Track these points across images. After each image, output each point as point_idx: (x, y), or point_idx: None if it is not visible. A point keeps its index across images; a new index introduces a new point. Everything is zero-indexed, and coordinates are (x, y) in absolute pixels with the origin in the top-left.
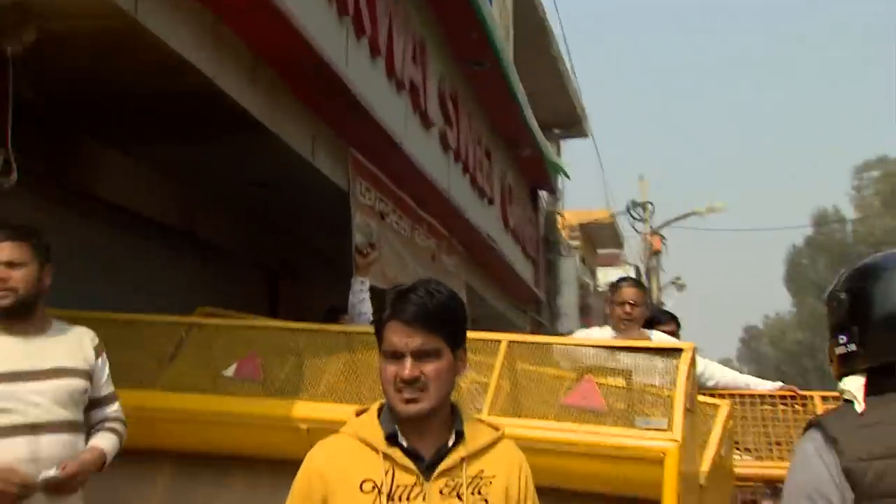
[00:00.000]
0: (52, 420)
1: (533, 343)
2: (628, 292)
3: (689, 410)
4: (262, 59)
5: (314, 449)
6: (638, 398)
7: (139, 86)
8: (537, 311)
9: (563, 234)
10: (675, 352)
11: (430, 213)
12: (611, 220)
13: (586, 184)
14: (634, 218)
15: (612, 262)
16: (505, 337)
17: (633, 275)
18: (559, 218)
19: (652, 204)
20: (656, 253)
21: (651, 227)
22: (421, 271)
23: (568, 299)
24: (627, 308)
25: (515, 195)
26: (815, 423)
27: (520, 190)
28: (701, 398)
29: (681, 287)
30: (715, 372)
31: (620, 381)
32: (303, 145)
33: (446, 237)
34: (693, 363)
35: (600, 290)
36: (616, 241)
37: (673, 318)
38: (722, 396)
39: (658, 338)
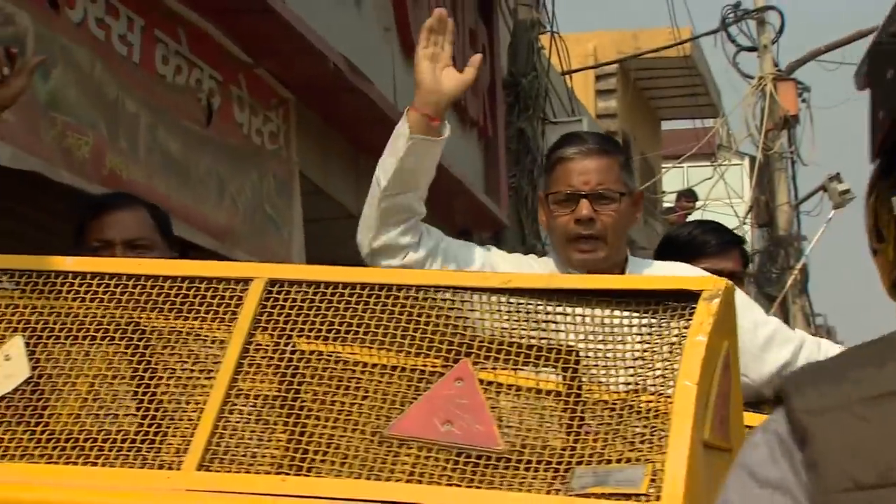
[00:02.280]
0: None
1: (334, 285)
2: (582, 167)
3: (712, 447)
4: None
5: None
6: (590, 412)
7: None
8: (495, 247)
9: (566, 82)
10: (681, 298)
11: (196, 0)
12: (684, 52)
13: None
14: (738, 45)
15: (688, 146)
16: (262, 272)
17: (744, 176)
18: (548, 41)
19: (780, 13)
20: (788, 123)
21: (776, 63)
22: (175, 145)
23: None
24: (584, 210)
25: None
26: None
27: None
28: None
29: (843, 196)
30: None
31: (551, 373)
32: None
33: (245, 64)
34: (725, 324)
35: (665, 204)
36: (699, 97)
37: (734, 244)
38: None
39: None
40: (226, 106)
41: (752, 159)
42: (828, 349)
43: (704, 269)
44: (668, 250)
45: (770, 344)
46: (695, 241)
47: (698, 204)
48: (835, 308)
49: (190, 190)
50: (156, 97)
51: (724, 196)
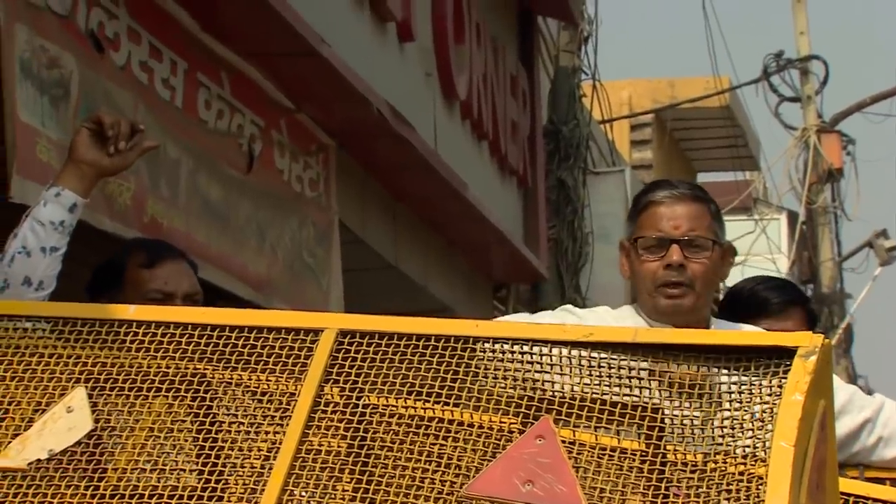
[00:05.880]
0: None
1: (407, 336)
2: (673, 212)
3: None
4: None
5: None
6: (677, 473)
7: None
8: (533, 300)
9: (604, 130)
10: (775, 355)
11: (238, 43)
12: (722, 103)
13: (656, 30)
14: (780, 96)
15: (725, 199)
16: (333, 322)
17: (782, 230)
18: (590, 91)
19: (825, 63)
20: (832, 176)
21: (820, 114)
22: (216, 192)
23: (607, 273)
24: (675, 255)
25: (472, 22)
26: None
27: (490, 13)
28: (864, 486)
29: (890, 252)
30: None
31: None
32: None
33: (287, 109)
34: (822, 383)
35: None
36: (736, 149)
37: (797, 303)
38: None
39: None
40: (267, 152)
41: (791, 214)
42: None
43: (764, 329)
44: (730, 307)
45: (845, 409)
46: (756, 297)
47: (738, 259)
48: (877, 369)
49: (229, 238)
50: (198, 142)
51: (765, 251)
